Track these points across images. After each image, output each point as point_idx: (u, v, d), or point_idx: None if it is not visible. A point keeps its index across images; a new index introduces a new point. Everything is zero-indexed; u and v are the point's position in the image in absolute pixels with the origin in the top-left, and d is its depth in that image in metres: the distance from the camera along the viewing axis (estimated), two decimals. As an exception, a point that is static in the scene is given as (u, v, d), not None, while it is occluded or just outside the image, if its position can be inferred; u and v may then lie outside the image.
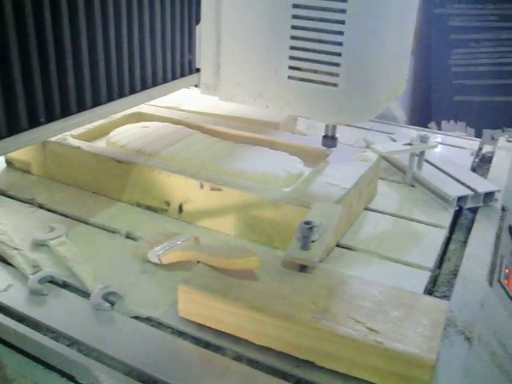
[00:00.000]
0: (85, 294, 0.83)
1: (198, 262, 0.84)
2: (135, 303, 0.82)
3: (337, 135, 1.12)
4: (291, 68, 1.03)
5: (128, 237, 0.99)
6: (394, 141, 1.34)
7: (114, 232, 1.00)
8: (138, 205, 1.09)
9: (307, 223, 0.81)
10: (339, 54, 0.97)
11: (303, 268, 0.80)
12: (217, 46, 1.10)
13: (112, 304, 0.81)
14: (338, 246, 0.99)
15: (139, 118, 1.35)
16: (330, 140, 1.12)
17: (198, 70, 1.21)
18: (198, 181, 1.00)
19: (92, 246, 0.96)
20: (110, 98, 1.03)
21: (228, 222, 1.00)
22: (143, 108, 1.36)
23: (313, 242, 0.81)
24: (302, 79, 1.02)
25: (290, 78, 1.03)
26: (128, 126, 1.28)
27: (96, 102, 1.00)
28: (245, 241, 0.99)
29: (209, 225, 1.02)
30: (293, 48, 1.01)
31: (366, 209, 1.12)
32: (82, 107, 0.97)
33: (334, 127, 1.11)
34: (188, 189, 1.02)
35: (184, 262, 0.89)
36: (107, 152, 1.11)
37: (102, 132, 1.26)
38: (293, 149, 1.19)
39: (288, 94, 1.04)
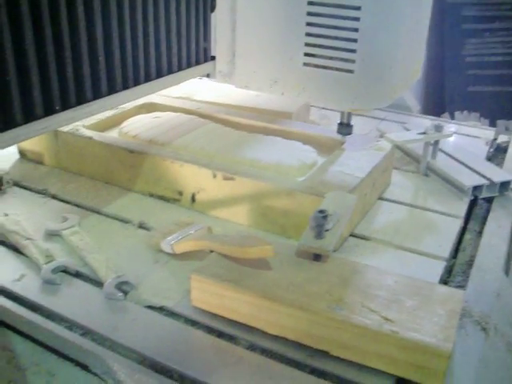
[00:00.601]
0: (98, 283, 0.83)
1: (211, 251, 0.84)
2: (148, 293, 0.81)
3: (352, 123, 1.11)
4: (307, 55, 1.02)
5: (141, 227, 0.98)
6: (408, 130, 1.33)
7: (126, 222, 1.00)
8: (151, 195, 1.08)
9: (321, 212, 0.80)
10: (355, 41, 0.96)
11: (317, 257, 0.80)
12: (232, 34, 1.09)
13: (125, 293, 0.81)
14: (352, 235, 0.98)
15: (151, 108, 1.34)
16: (345, 127, 1.12)
17: (213, 58, 1.20)
18: (210, 170, 1.00)
19: (105, 235, 0.95)
20: (125, 86, 1.02)
21: (241, 211, 0.99)
22: (155, 98, 1.35)
23: (327, 231, 0.81)
24: (317, 66, 1.02)
25: (305, 64, 1.03)
26: (140, 116, 1.27)
27: (111, 90, 0.99)
28: (258, 230, 0.98)
29: (221, 214, 1.01)
30: (308, 35, 1.01)
31: (380, 198, 1.11)
32: (97, 95, 0.97)
33: (350, 114, 1.10)
34: (201, 178, 1.01)
35: (197, 251, 0.88)
36: (119, 142, 1.11)
37: (114, 122, 1.26)
38: (306, 138, 1.19)
39: (303, 81, 1.04)
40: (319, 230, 0.80)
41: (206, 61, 1.22)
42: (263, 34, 1.05)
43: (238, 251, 0.79)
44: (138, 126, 1.20)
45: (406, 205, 1.09)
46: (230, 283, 0.74)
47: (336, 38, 0.98)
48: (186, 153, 1.08)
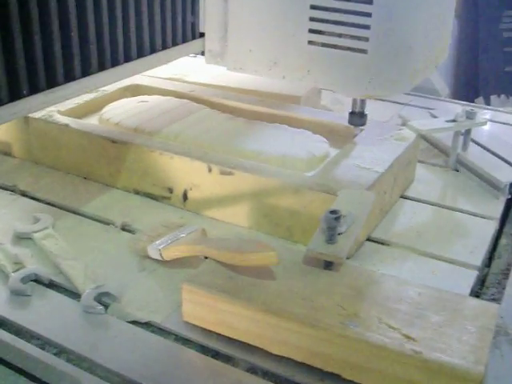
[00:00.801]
0: (74, 294, 0.83)
1: (206, 257, 0.84)
2: (133, 305, 0.81)
3: (366, 111, 1.11)
4: (312, 31, 1.01)
5: (124, 229, 0.99)
6: (435, 117, 1.33)
7: (107, 223, 1.00)
8: (136, 192, 1.08)
9: (333, 212, 0.81)
10: (369, 15, 0.96)
11: (328, 265, 0.80)
12: (224, 6, 1.09)
13: (106, 306, 0.81)
14: (369, 239, 0.98)
15: (136, 91, 1.34)
16: (358, 117, 1.11)
17: (202, 35, 1.20)
18: (205, 163, 1.00)
19: (83, 239, 0.96)
20: (102, 67, 1.02)
21: (241, 211, 0.99)
22: (141, 80, 1.35)
23: (340, 234, 0.81)
24: (324, 44, 1.01)
25: (310, 43, 1.02)
26: (124, 100, 1.28)
27: (86, 72, 0.99)
28: (260, 233, 0.98)
29: (218, 215, 1.02)
30: (314, 7, 1.00)
31: (402, 197, 1.11)
32: (69, 77, 0.97)
33: (363, 102, 1.10)
34: (194, 173, 1.02)
35: (189, 257, 0.89)
36: (100, 130, 1.11)
37: (94, 107, 1.26)
38: (316, 126, 1.19)
39: (308, 62, 1.03)
40: (331, 234, 0.80)
41: (193, 38, 1.22)
42: (261, 5, 1.04)
43: (236, 258, 0.79)
44: (121, 111, 1.20)
45: (432, 204, 1.10)
46: (227, 295, 0.74)
47: (346, 11, 0.97)
48: (177, 143, 1.08)
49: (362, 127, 1.12)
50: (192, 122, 1.16)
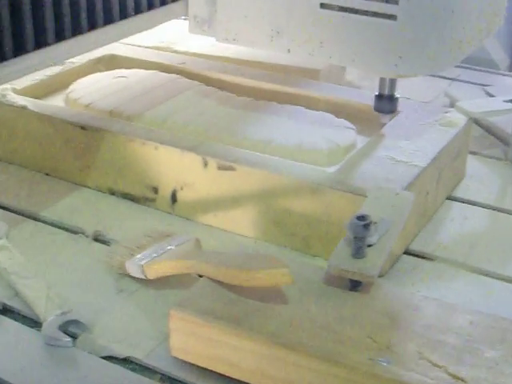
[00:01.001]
0: (34, 322, 0.84)
1: (200, 276, 0.84)
2: (107, 337, 0.82)
3: (397, 94, 1.10)
4: None
5: (97, 239, 0.99)
6: (492, 96, 1.33)
7: (76, 232, 1.01)
8: (112, 192, 1.09)
9: (361, 218, 0.81)
10: None
11: (355, 285, 0.80)
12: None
13: (74, 338, 0.81)
14: (407, 252, 0.99)
15: (112, 63, 1.35)
16: (386, 102, 1.10)
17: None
18: (199, 156, 1.00)
19: (44, 252, 0.96)
20: (61, 37, 1.02)
21: (244, 217, 1.00)
22: (118, 49, 1.36)
23: (370, 246, 0.81)
24: (341, 8, 1.00)
25: (323, 6, 1.01)
26: (96, 75, 1.28)
27: (41, 42, 0.99)
28: (269, 245, 0.99)
29: (216, 221, 1.02)
30: None
31: (450, 198, 1.12)
32: (20, 48, 0.97)
33: (393, 82, 1.09)
34: (185, 168, 1.02)
35: (179, 276, 0.89)
36: (66, 114, 1.11)
37: (59, 85, 1.27)
38: (340, 108, 1.19)
39: (321, 32, 1.02)
40: (359, 246, 0.80)
41: (174, 0, 1.22)
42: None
43: (239, 276, 0.79)
44: (93, 89, 1.21)
45: (487, 207, 1.10)
46: (227, 323, 0.75)
47: None
48: (164, 130, 1.09)
49: (392, 114, 1.12)
50: (182, 104, 1.16)
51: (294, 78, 1.28)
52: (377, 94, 1.10)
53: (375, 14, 0.98)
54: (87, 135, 1.08)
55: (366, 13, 0.99)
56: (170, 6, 1.20)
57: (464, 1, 0.98)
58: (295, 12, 1.03)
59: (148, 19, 1.16)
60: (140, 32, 1.16)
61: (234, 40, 1.09)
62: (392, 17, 0.97)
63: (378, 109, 1.11)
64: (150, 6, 1.17)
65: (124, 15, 1.12)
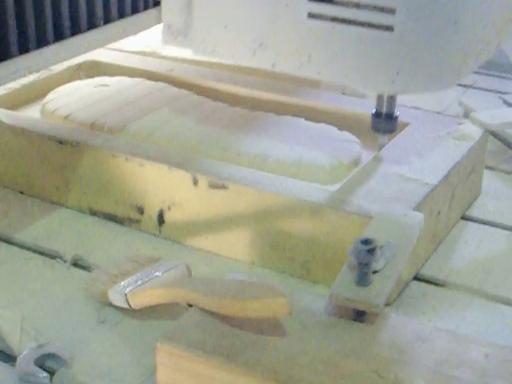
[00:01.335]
0: (7, 356, 0.84)
1: (190, 305, 0.84)
2: (88, 372, 0.82)
3: (397, 112, 1.08)
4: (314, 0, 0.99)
5: (76, 264, 1.00)
6: (510, 105, 1.33)
7: (53, 257, 1.01)
8: (93, 212, 1.10)
9: (366, 243, 0.81)
10: None
11: (360, 315, 0.80)
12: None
13: (51, 373, 0.81)
14: (417, 278, 0.99)
15: (93, 70, 1.36)
16: (384, 121, 1.08)
17: (157, 4, 1.19)
18: (189, 173, 1.01)
19: (19, 279, 0.97)
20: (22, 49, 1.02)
21: (238, 239, 1.01)
22: (100, 54, 1.36)
23: (375, 272, 0.81)
24: (332, 18, 0.99)
25: (311, 15, 1.00)
26: (76, 83, 1.29)
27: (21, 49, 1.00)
28: (266, 270, 0.99)
29: (207, 245, 1.03)
30: None
31: (464, 218, 1.13)
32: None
33: (393, 99, 1.07)
34: (173, 186, 1.03)
35: (166, 305, 0.89)
36: (42, 127, 1.12)
37: (35, 94, 1.28)
38: (343, 120, 1.20)
39: (309, 44, 1.01)
40: (363, 272, 0.80)
41: (146, 8, 1.22)
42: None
43: (232, 306, 0.79)
44: (72, 99, 1.22)
45: (505, 228, 1.11)
46: (219, 358, 0.75)
47: None
48: (150, 144, 1.09)
49: (391, 134, 1.10)
50: (170, 115, 1.17)
51: (294, 86, 1.28)
52: (374, 111, 1.09)
53: (370, 25, 0.96)
54: (65, 150, 1.08)
55: (359, 23, 0.97)
56: (140, 16, 1.20)
57: (469, 10, 0.97)
58: (280, 22, 1.01)
59: (111, 31, 1.17)
60: (99, 47, 1.17)
61: (213, 52, 1.07)
62: (388, 28, 0.95)
63: (375, 128, 1.10)
64: (120, 15, 1.18)
65: (86, 27, 1.13)
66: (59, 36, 1.06)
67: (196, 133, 1.13)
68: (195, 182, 1.01)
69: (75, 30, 1.08)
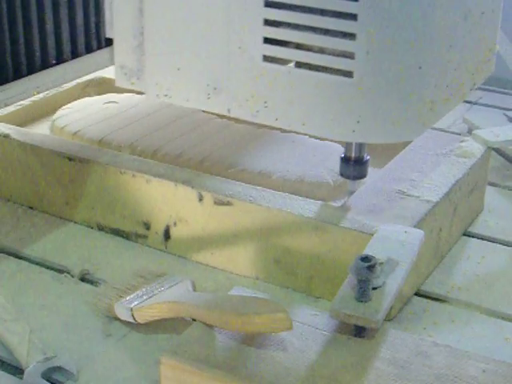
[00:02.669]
0: (15, 369, 0.85)
1: (194, 319, 0.85)
2: (94, 385, 0.83)
3: (367, 156, 1.03)
4: (268, 41, 0.93)
5: (84, 279, 1.01)
6: (513, 122, 1.34)
7: (61, 271, 1.02)
8: (100, 227, 1.11)
9: (366, 259, 0.81)
10: (354, 17, 0.87)
11: (360, 331, 0.81)
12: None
13: (58, 386, 0.82)
14: (418, 294, 1.00)
15: (102, 86, 1.37)
16: (353, 166, 1.02)
17: (109, 43, 1.15)
18: (194, 190, 1.02)
19: (27, 293, 0.97)
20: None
21: (243, 255, 1.01)
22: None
23: (375, 289, 0.82)
24: (288, 62, 0.96)
25: (266, 59, 0.95)
26: (85, 100, 1.30)
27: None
28: (270, 286, 1.00)
29: (212, 260, 1.04)
30: (270, 4, 0.91)
31: (466, 234, 1.13)
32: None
33: (362, 143, 1.01)
34: (179, 202, 1.04)
35: (171, 320, 0.90)
36: (51, 144, 1.13)
37: (44, 111, 1.29)
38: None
39: (265, 89, 0.95)
40: (363, 289, 0.81)
41: (99, 47, 1.22)
42: (191, 1, 0.97)
43: (235, 321, 0.80)
44: (80, 116, 1.23)
45: (506, 244, 1.11)
46: (222, 372, 0.75)
47: (319, 10, 0.88)
48: (157, 161, 1.10)
49: (362, 180, 1.05)
50: (177, 132, 1.18)
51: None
52: (342, 155, 1.03)
53: (328, 70, 0.91)
54: (74, 166, 1.09)
55: (317, 68, 0.92)
56: (93, 56, 1.21)
57: (435, 53, 0.91)
58: (234, 65, 0.96)
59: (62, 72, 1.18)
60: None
61: (166, 96, 1.02)
62: (348, 73, 0.90)
63: (343, 174, 1.03)
64: (73, 54, 1.19)
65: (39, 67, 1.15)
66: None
67: (202, 150, 1.14)
68: (201, 199, 1.02)
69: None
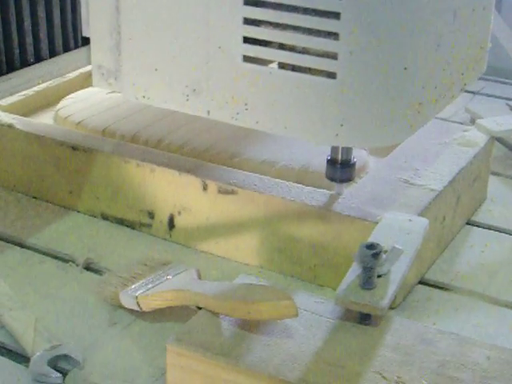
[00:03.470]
0: (21, 357, 0.85)
1: (199, 307, 0.86)
2: (100, 373, 0.83)
3: (354, 159, 1.00)
4: (248, 41, 0.92)
5: (88, 268, 1.01)
6: (515, 111, 1.34)
7: (66, 260, 1.02)
8: (104, 217, 1.11)
9: (371, 247, 0.82)
10: (337, 16, 0.85)
11: (365, 318, 0.81)
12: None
13: (64, 374, 0.82)
14: (422, 282, 1.00)
15: (106, 77, 1.37)
16: (340, 169, 1.00)
17: (85, 42, 1.18)
18: (198, 179, 1.02)
19: (33, 282, 0.98)
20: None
21: (247, 244, 1.02)
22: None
23: (380, 276, 0.82)
24: (269, 62, 0.94)
25: (246, 59, 0.93)
26: (88, 90, 1.30)
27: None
28: (274, 274, 1.01)
29: (216, 249, 1.04)
30: (250, 3, 0.90)
31: (469, 223, 1.13)
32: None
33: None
34: (183, 191, 1.04)
35: (176, 308, 0.90)
36: (55, 133, 1.13)
37: (48, 100, 1.29)
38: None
39: (245, 91, 0.94)
40: (368, 276, 0.81)
41: (76, 46, 1.22)
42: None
43: (241, 309, 0.80)
44: (84, 106, 1.23)
45: (510, 233, 1.11)
46: (227, 359, 0.76)
47: (301, 9, 0.86)
48: (161, 150, 1.10)
49: (350, 183, 1.04)
50: (181, 122, 1.18)
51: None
52: (328, 158, 1.01)
53: (310, 71, 0.89)
54: (78, 156, 1.10)
55: (299, 69, 0.90)
56: (70, 54, 1.21)
57: (421, 54, 0.88)
58: (214, 66, 0.95)
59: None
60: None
61: (144, 98, 1.00)
62: (331, 74, 0.88)
63: (329, 176, 1.01)
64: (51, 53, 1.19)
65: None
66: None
67: (206, 139, 1.14)
68: (205, 188, 1.02)
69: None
